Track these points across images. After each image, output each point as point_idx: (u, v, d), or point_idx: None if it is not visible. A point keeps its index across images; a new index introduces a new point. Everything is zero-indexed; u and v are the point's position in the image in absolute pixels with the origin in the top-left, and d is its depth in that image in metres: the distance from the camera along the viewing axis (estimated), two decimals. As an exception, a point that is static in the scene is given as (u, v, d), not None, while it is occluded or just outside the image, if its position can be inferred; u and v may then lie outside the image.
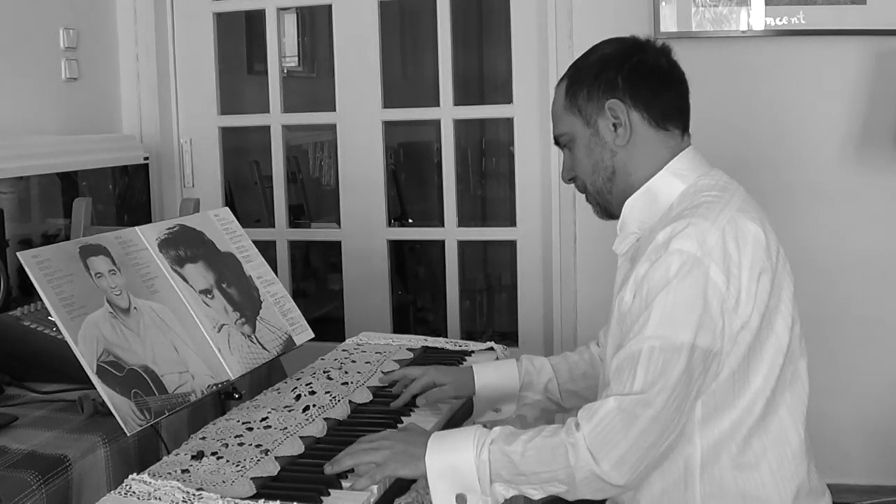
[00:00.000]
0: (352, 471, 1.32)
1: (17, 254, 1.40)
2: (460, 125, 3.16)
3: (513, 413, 1.70)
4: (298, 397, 1.63)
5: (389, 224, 3.24)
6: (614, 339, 1.39)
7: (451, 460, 1.29)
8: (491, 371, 1.69)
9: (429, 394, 1.63)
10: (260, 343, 1.70)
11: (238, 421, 1.51)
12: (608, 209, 1.52)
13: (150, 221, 2.50)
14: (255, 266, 1.82)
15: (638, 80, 1.43)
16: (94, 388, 1.36)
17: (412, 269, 4.69)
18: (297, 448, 1.40)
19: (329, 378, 1.74)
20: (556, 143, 1.55)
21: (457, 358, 1.91)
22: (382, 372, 1.80)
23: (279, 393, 1.66)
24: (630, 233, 1.46)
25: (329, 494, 1.26)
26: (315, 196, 4.87)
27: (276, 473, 1.31)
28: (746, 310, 1.30)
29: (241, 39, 4.55)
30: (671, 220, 1.34)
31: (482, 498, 1.28)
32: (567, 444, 1.26)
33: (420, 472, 1.30)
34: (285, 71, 3.98)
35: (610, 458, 1.24)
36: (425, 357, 1.94)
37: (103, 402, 1.36)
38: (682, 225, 1.30)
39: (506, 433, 1.31)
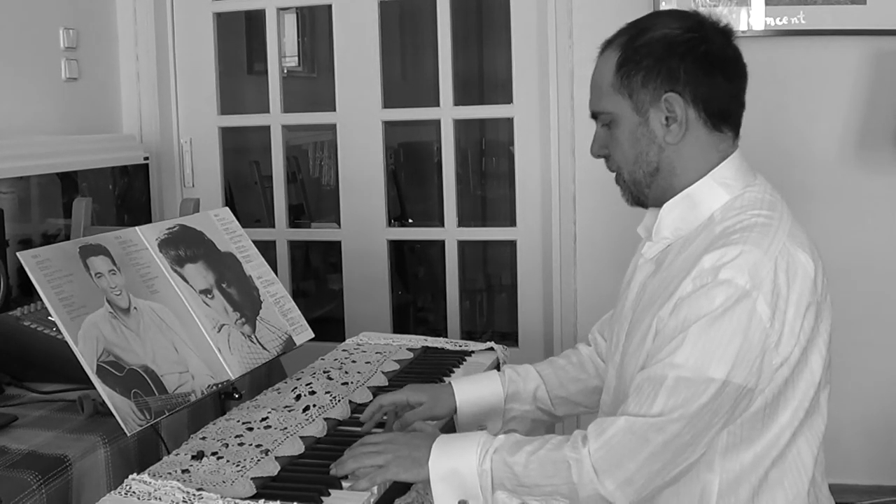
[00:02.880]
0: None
1: (17, 254, 1.40)
2: (460, 125, 3.16)
3: (499, 430, 1.60)
4: (298, 397, 1.62)
5: (389, 224, 3.24)
6: (644, 352, 1.31)
7: (454, 466, 1.28)
8: (472, 384, 1.60)
9: (403, 418, 1.52)
10: (260, 343, 1.70)
11: (238, 421, 1.51)
12: (639, 200, 1.41)
13: (150, 221, 2.50)
14: (255, 266, 1.82)
15: (702, 74, 1.31)
16: (94, 388, 1.36)
17: (412, 269, 4.70)
18: (297, 448, 1.40)
19: (329, 378, 1.74)
20: (593, 116, 1.41)
21: (457, 358, 1.91)
22: (382, 372, 1.80)
23: (279, 393, 1.66)
24: (662, 238, 1.38)
25: (329, 494, 1.26)
26: (315, 196, 4.88)
27: (276, 473, 1.31)
28: (788, 347, 1.24)
29: (241, 39, 4.56)
30: (717, 237, 1.28)
31: None
32: (570, 460, 1.23)
33: (421, 477, 1.29)
34: (285, 71, 3.98)
35: (616, 477, 1.21)
36: (425, 357, 1.94)
37: (103, 402, 1.36)
38: (733, 252, 1.23)
39: (510, 442, 1.29)
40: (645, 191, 1.39)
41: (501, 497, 1.27)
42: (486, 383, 1.60)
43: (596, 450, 1.23)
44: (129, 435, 1.35)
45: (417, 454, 1.30)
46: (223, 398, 1.63)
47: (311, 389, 1.66)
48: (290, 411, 1.55)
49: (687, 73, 1.31)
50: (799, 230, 1.32)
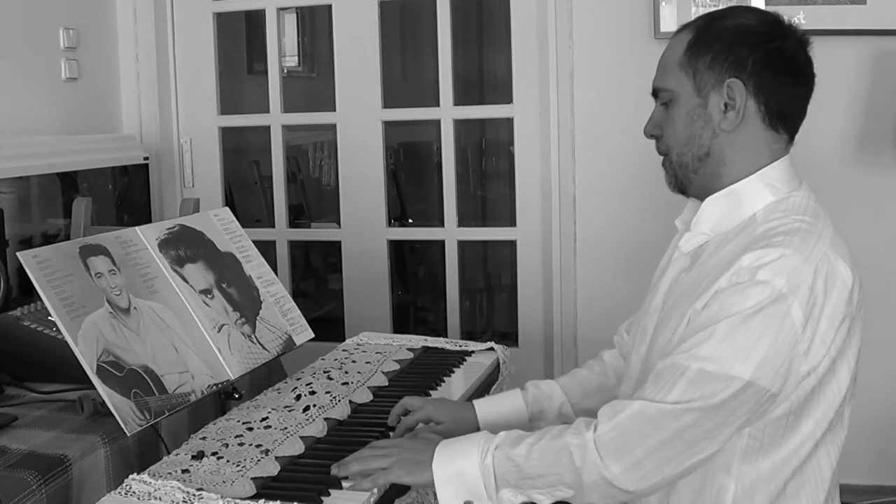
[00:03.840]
0: None
1: (17, 254, 1.40)
2: (460, 125, 3.16)
3: None
4: (298, 397, 1.62)
5: (389, 224, 3.24)
6: (674, 344, 1.29)
7: (457, 467, 1.27)
8: (494, 404, 1.57)
9: (414, 431, 1.51)
10: (260, 343, 1.70)
11: (238, 421, 1.51)
12: (683, 186, 1.39)
13: (150, 221, 2.51)
14: (255, 266, 1.82)
15: (769, 69, 1.30)
16: (94, 388, 1.36)
17: (412, 269, 4.70)
18: (297, 448, 1.40)
19: (329, 378, 1.74)
20: (654, 94, 1.40)
21: (457, 358, 1.91)
22: (382, 372, 1.80)
23: (279, 393, 1.66)
24: (700, 233, 1.36)
25: (329, 494, 1.26)
26: (315, 196, 4.88)
27: (276, 473, 1.31)
28: (817, 356, 1.22)
29: (241, 39, 4.56)
30: (757, 238, 1.26)
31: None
32: (571, 447, 1.22)
33: (424, 479, 1.28)
34: (285, 71, 3.99)
35: (623, 461, 1.20)
36: (425, 357, 1.94)
37: (103, 402, 1.36)
38: (774, 254, 1.21)
39: (511, 437, 1.28)
40: (690, 176, 1.37)
41: (506, 495, 1.26)
42: (508, 403, 1.58)
43: (605, 432, 1.22)
44: (129, 435, 1.36)
45: (421, 457, 1.30)
46: (223, 398, 1.63)
47: (311, 389, 1.66)
48: (290, 411, 1.55)
49: (754, 65, 1.30)
50: (840, 241, 1.31)
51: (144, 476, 1.26)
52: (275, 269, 2.15)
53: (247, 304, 1.74)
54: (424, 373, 1.83)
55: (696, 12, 2.65)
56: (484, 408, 1.56)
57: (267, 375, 1.93)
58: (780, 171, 1.34)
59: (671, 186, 1.42)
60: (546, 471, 1.24)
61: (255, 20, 3.96)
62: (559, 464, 1.23)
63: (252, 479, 1.28)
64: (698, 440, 1.20)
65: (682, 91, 1.34)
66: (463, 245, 3.19)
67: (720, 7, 2.63)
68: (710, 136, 1.33)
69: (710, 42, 1.32)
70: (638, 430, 1.20)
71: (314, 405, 1.58)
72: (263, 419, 1.51)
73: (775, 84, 1.31)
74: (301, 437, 1.44)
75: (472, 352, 1.97)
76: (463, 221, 3.13)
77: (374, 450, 1.34)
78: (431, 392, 1.72)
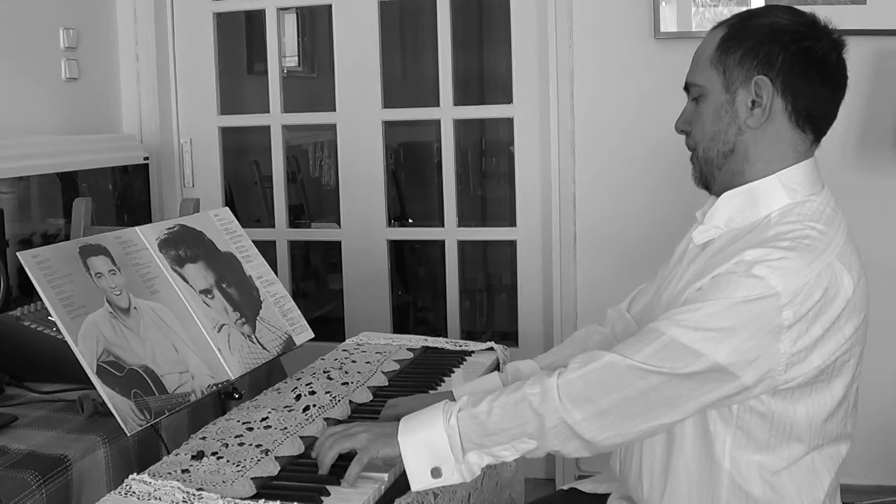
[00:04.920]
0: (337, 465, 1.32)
1: (17, 254, 1.40)
2: (460, 125, 3.16)
3: None
4: (298, 397, 1.63)
5: (389, 224, 3.25)
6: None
7: (423, 435, 1.28)
8: (470, 387, 1.59)
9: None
10: (260, 343, 1.70)
11: (238, 421, 1.51)
12: (707, 182, 1.40)
13: (150, 221, 2.50)
14: (255, 266, 1.82)
15: (798, 68, 1.30)
16: (94, 388, 1.36)
17: (412, 269, 4.70)
18: (297, 448, 1.40)
19: (329, 378, 1.74)
20: (686, 89, 1.41)
21: (457, 358, 1.91)
22: (382, 372, 1.80)
23: (279, 393, 1.66)
24: (714, 226, 1.37)
25: (329, 494, 1.26)
26: (315, 196, 4.88)
27: (276, 473, 1.31)
28: (804, 363, 1.23)
29: (241, 39, 4.56)
30: (766, 239, 1.26)
31: (456, 467, 1.27)
32: (530, 396, 1.25)
33: (396, 452, 1.29)
34: (285, 71, 3.99)
35: (585, 409, 1.23)
36: (425, 357, 1.94)
37: (103, 402, 1.36)
38: (776, 255, 1.22)
39: (474, 399, 1.30)
40: (715, 172, 1.37)
41: (472, 458, 1.28)
42: (485, 385, 1.59)
43: (572, 379, 1.25)
44: (129, 435, 1.35)
45: (388, 430, 1.31)
46: (223, 398, 1.63)
47: (311, 389, 1.66)
48: (290, 411, 1.55)
49: (784, 63, 1.30)
50: (851, 250, 1.31)
51: (144, 476, 1.26)
52: (275, 269, 2.15)
53: (247, 304, 1.74)
54: (424, 373, 1.83)
55: (696, 12, 2.65)
56: (461, 392, 1.57)
57: (267, 375, 1.93)
58: (801, 174, 1.34)
59: (697, 182, 1.42)
60: (508, 424, 1.26)
61: (255, 20, 3.96)
62: (520, 415, 1.25)
63: (252, 478, 1.28)
64: (660, 404, 1.23)
65: (711, 87, 1.35)
66: (463, 245, 3.20)
67: (719, 7, 2.65)
68: (735, 132, 1.34)
69: (741, 39, 1.33)
70: (604, 382, 1.23)
71: (314, 405, 1.58)
72: (263, 419, 1.51)
73: (803, 84, 1.31)
74: (301, 437, 1.44)
75: (472, 352, 1.97)
76: (463, 221, 3.13)
77: (335, 434, 1.34)
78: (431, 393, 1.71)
